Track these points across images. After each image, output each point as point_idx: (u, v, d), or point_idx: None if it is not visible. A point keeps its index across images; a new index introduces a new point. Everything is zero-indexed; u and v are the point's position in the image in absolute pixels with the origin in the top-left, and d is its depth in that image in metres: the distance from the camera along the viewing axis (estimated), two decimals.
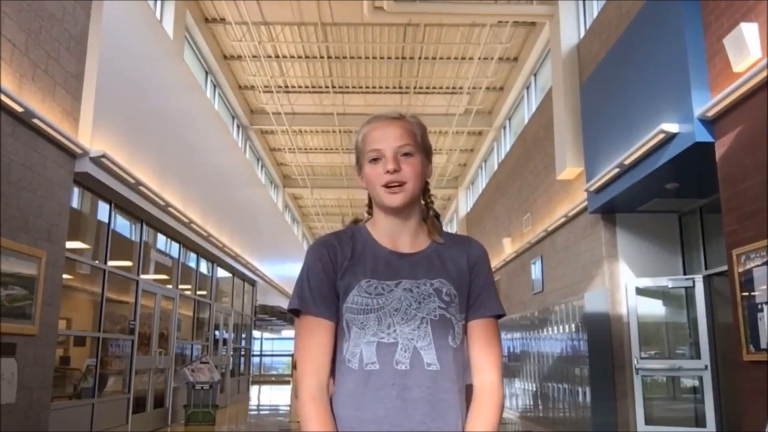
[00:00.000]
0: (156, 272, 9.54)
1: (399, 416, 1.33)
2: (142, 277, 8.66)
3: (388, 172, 1.42)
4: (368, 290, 1.40)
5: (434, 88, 14.21)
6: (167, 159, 8.91)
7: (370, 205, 1.57)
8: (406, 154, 1.45)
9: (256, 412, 14.81)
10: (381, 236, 1.49)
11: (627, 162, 6.46)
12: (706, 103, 5.21)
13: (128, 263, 8.47)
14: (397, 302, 1.39)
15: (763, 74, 4.51)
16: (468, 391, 1.44)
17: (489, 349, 1.44)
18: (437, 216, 1.57)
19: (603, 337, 7.78)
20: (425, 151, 1.50)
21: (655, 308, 7.76)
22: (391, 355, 1.36)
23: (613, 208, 7.68)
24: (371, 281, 1.41)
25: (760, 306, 4.64)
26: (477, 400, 1.40)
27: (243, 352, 16.50)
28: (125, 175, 7.07)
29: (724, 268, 5.38)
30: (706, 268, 7.14)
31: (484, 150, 17.15)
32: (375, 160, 1.45)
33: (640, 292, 7.61)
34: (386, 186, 1.42)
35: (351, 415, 1.36)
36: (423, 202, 1.54)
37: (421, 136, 1.50)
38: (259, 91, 14.17)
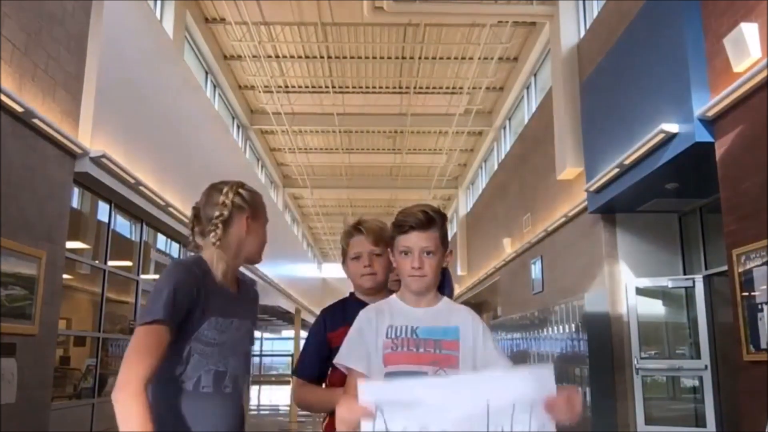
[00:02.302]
0: (156, 272, 9.54)
1: (220, 419, 1.68)
2: (142, 277, 8.65)
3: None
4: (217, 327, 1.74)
5: (434, 88, 14.21)
6: (167, 159, 8.91)
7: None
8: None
9: (256, 412, 14.81)
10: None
11: (627, 162, 6.46)
12: (706, 103, 5.21)
13: (128, 263, 8.47)
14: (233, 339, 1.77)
15: (763, 74, 4.51)
16: None
17: None
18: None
19: (603, 337, 7.78)
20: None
21: (655, 308, 7.76)
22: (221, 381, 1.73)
23: (613, 208, 7.68)
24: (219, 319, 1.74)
25: (760, 306, 4.64)
26: None
27: None
28: (125, 175, 7.07)
29: (724, 268, 5.37)
30: (706, 268, 7.14)
31: (484, 150, 17.15)
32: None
33: (640, 292, 7.61)
34: None
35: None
36: None
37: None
38: (259, 91, 14.17)
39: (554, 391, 1.51)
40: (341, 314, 2.12)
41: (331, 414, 1.91)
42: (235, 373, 1.68)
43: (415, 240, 1.73)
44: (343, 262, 2.27)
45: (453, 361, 1.70)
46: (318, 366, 2.12)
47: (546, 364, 1.51)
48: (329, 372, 2.10)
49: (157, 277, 9.56)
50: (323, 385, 2.16)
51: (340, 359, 1.74)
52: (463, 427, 1.47)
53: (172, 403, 1.57)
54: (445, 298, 1.84)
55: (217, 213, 1.73)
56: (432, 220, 1.77)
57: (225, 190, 1.79)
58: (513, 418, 1.49)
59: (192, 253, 1.79)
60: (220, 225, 1.71)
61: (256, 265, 14.73)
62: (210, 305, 1.62)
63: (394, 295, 1.84)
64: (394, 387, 1.50)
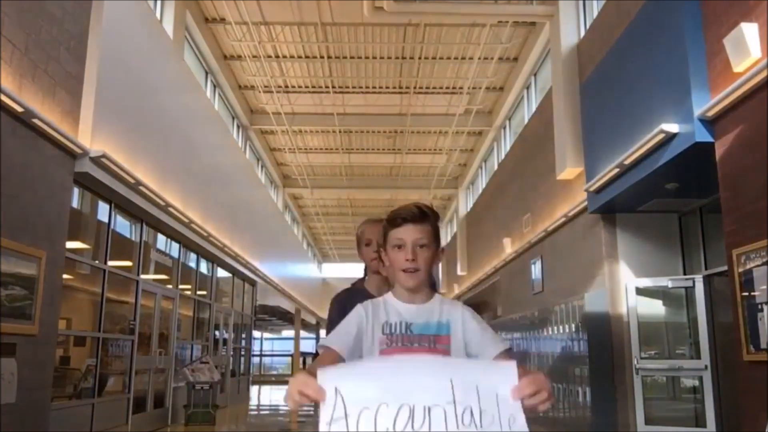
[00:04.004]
0: (156, 272, 9.54)
1: None
2: (142, 277, 8.66)
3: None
4: None
5: (434, 88, 14.21)
6: (167, 159, 8.91)
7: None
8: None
9: (256, 412, 14.82)
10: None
11: (627, 162, 6.46)
12: (706, 103, 5.21)
13: (128, 263, 8.47)
14: None
15: (763, 74, 4.51)
16: None
17: None
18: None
19: (603, 337, 7.78)
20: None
21: (655, 308, 7.76)
22: None
23: (613, 208, 7.68)
24: None
25: (760, 306, 4.64)
26: None
27: (243, 352, 16.50)
28: (125, 175, 7.07)
29: (724, 268, 5.37)
30: (706, 268, 7.14)
31: (484, 150, 17.15)
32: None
33: (640, 292, 7.61)
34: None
35: None
36: None
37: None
38: (259, 91, 14.18)
39: (516, 382, 1.45)
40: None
41: None
42: None
43: (409, 232, 1.74)
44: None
45: (446, 356, 1.72)
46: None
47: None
48: None
49: (156, 276, 9.59)
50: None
51: (326, 342, 1.72)
52: (427, 402, 1.41)
53: None
54: (438, 295, 1.85)
55: None
56: (425, 214, 1.78)
57: None
58: (480, 401, 1.43)
59: None
60: None
61: (258, 266, 14.79)
62: None
63: (389, 293, 1.85)
64: (353, 368, 1.49)
